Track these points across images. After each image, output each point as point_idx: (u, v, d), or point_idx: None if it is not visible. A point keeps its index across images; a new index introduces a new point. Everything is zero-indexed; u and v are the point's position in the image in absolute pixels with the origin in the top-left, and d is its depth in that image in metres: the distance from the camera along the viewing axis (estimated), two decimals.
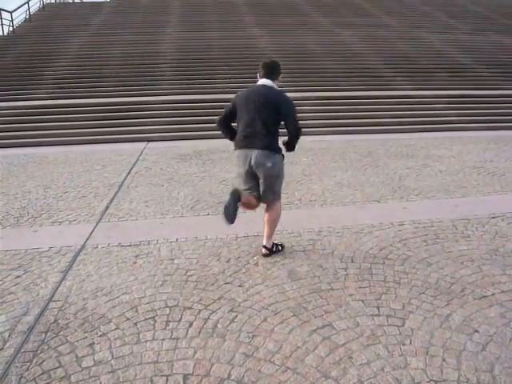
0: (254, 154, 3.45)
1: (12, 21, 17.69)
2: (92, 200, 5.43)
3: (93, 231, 4.42)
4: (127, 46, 15.52)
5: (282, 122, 3.54)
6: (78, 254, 3.86)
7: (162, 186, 6.03)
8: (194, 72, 13.34)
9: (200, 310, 2.93)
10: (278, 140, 3.56)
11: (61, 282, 3.36)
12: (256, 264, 3.59)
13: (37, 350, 2.55)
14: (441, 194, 5.49)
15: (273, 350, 2.51)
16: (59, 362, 2.45)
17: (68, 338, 2.66)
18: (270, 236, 3.73)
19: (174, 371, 2.37)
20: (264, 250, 3.73)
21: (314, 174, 6.49)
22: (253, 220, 4.19)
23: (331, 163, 7.22)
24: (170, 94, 11.97)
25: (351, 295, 3.08)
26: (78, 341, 2.63)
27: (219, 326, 2.76)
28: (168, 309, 2.96)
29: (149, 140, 9.65)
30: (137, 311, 2.93)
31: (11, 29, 17.76)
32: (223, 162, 7.39)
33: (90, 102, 11.21)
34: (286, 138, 3.58)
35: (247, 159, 3.49)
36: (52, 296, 3.15)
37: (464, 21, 20.34)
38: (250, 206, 3.67)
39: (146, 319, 2.84)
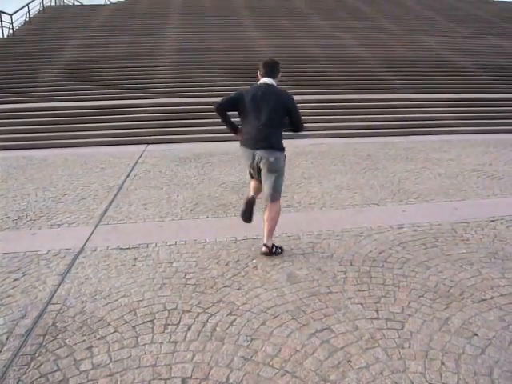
0: (259, 152, 3.60)
1: (12, 23, 17.71)
2: (91, 203, 5.42)
3: (92, 234, 4.42)
4: (126, 48, 15.55)
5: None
6: (76, 257, 3.85)
7: (161, 188, 6.03)
8: (194, 75, 13.36)
9: (199, 313, 2.92)
10: (281, 137, 3.68)
11: (59, 284, 3.35)
12: (255, 267, 3.59)
13: (35, 353, 2.54)
14: (440, 197, 5.49)
15: (272, 354, 2.51)
16: (57, 366, 2.44)
17: (66, 341, 2.65)
18: (270, 234, 3.76)
19: (172, 375, 2.36)
20: (264, 249, 3.76)
21: (313, 177, 6.49)
22: (252, 223, 4.19)
23: (330, 166, 7.23)
24: (169, 96, 11.98)
25: (350, 298, 3.08)
26: (76, 344, 2.62)
27: (218, 329, 2.75)
28: (167, 312, 2.95)
29: (148, 143, 9.65)
30: (135, 314, 2.93)
31: (11, 31, 17.78)
32: (222, 164, 7.40)
33: (91, 105, 11.21)
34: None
35: (252, 156, 3.66)
36: (50, 299, 3.14)
37: (464, 25, 20.42)
38: (260, 189, 3.89)
39: (144, 322, 2.84)
